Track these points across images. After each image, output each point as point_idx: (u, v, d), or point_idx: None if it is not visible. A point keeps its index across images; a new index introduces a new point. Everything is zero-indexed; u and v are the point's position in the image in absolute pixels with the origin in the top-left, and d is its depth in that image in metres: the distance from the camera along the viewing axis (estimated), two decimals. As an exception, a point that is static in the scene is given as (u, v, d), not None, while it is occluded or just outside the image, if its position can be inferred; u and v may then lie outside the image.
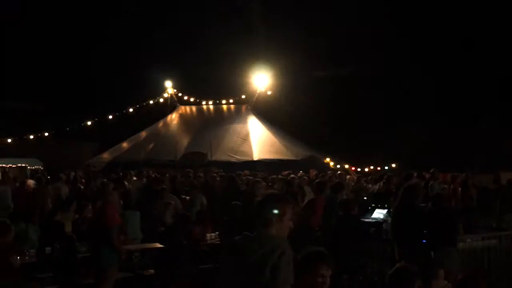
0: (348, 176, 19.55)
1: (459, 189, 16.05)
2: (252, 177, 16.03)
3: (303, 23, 35.58)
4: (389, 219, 9.66)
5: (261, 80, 29.53)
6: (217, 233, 11.46)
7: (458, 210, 14.35)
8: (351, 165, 25.16)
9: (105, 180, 14.87)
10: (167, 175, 17.57)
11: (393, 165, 24.93)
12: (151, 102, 31.77)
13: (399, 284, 4.53)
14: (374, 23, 35.62)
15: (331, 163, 24.78)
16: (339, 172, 19.41)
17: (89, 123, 31.10)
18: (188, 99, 31.76)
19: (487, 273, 9.69)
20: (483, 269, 9.77)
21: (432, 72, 34.98)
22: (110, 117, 31.08)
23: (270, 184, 15.60)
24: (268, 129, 28.07)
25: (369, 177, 19.01)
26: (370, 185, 17.28)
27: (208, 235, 11.41)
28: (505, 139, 31.87)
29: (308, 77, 33.74)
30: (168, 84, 31.74)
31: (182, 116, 31.23)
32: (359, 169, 24.76)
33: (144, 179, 16.90)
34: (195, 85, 33.35)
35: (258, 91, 29.68)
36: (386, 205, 10.88)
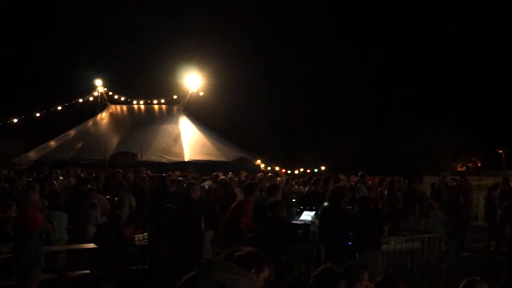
0: (278, 178, 19.68)
1: (386, 192, 16.42)
2: (182, 178, 15.93)
3: (236, 23, 35.72)
4: (317, 221, 9.78)
5: (193, 80, 29.42)
6: (146, 234, 11.36)
7: (384, 212, 14.69)
8: (281, 167, 25.38)
9: (30, 179, 14.50)
10: (94, 174, 17.30)
11: (323, 168, 25.30)
12: (81, 100, 31.13)
13: (323, 284, 4.58)
14: (310, 24, 36.11)
15: (262, 165, 24.92)
16: (269, 174, 19.52)
17: (15, 120, 30.18)
18: (119, 98, 31.31)
19: (410, 274, 9.95)
20: (406, 270, 10.04)
21: (364, 80, 35.73)
22: (38, 114, 30.25)
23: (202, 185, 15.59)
24: (199, 130, 27.99)
25: (300, 179, 19.20)
26: (301, 187, 17.46)
27: (137, 236, 11.29)
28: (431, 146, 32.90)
29: (240, 79, 33.86)
30: (99, 82, 31.17)
31: (112, 115, 30.74)
32: (289, 171, 25.00)
33: (72, 179, 16.57)
34: (127, 84, 32.98)
35: (190, 92, 29.53)
36: (314, 207, 10.99)
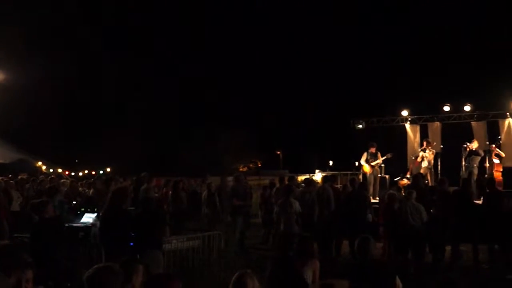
0: (61, 180, 19.10)
1: (170, 192, 16.68)
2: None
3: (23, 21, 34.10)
4: (98, 223, 9.64)
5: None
6: None
7: (169, 212, 14.92)
8: (65, 168, 24.64)
9: None
10: None
11: (108, 169, 25.04)
12: None
13: (95, 284, 4.49)
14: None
15: (44, 167, 23.98)
16: (51, 176, 18.88)
17: None
18: None
19: (192, 271, 10.26)
20: (188, 268, 10.33)
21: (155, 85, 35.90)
22: None
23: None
24: (-26, 129, 26.14)
25: (84, 181, 18.91)
26: (86, 189, 17.17)
27: None
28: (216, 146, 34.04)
29: (22, 77, 32.25)
30: None
31: None
32: (73, 173, 24.35)
33: None
34: None
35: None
36: (95, 209, 10.86)
